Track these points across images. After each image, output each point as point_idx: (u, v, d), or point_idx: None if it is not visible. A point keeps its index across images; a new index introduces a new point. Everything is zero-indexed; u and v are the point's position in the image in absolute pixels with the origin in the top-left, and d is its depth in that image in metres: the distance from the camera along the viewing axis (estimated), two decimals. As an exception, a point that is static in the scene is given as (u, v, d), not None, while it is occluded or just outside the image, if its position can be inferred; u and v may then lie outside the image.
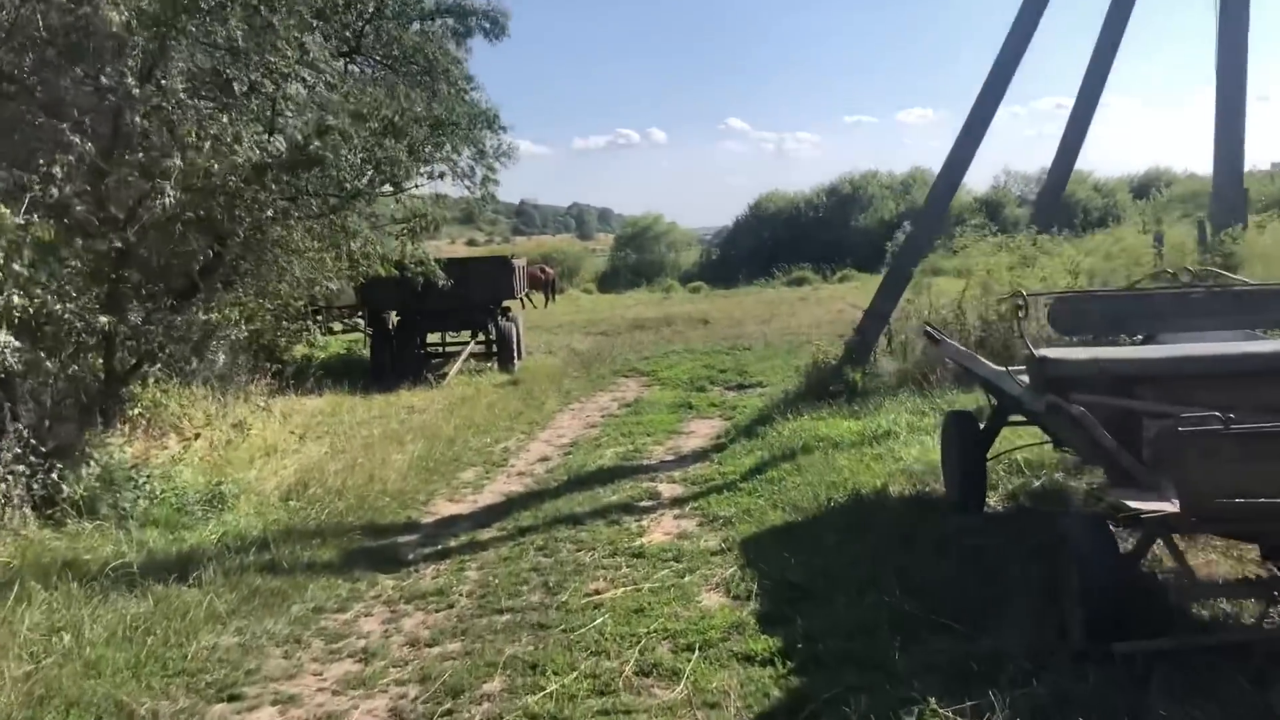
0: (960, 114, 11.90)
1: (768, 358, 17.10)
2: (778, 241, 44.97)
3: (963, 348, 6.57)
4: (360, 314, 17.53)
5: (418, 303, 15.72)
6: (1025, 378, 5.77)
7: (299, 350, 18.09)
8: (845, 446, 9.14)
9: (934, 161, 48.03)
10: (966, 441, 6.78)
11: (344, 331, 19.24)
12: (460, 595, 6.20)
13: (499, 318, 16.93)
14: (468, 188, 15.24)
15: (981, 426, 6.92)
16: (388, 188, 11.03)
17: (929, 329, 7.31)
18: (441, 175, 12.24)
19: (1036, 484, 7.02)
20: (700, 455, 10.17)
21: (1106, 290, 9.63)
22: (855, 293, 32.71)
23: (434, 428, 11.72)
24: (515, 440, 11.62)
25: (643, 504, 8.26)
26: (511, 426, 12.35)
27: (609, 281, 45.44)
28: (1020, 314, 5.98)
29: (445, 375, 15.28)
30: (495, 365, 16.48)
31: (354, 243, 9.31)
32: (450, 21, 17.35)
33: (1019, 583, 5.25)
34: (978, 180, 47.95)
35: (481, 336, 17.11)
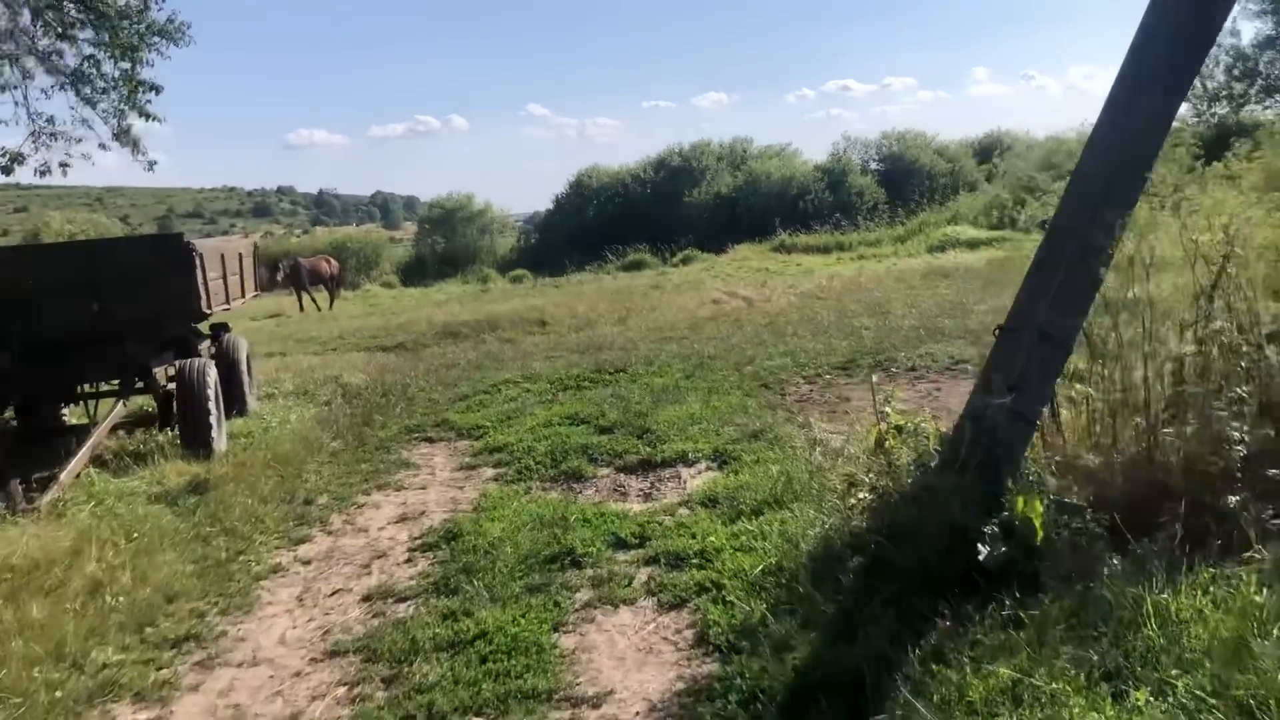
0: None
1: (668, 393, 9.53)
2: (604, 221, 37.44)
3: None
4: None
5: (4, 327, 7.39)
6: None
7: None
8: None
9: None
10: None
11: None
12: None
13: (182, 351, 8.63)
14: (84, 97, 7.02)
15: None
16: None
17: None
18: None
19: None
20: None
21: None
22: (709, 275, 25.63)
23: None
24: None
25: None
26: (114, 683, 4.33)
27: (414, 273, 36.72)
28: None
29: (55, 483, 6.94)
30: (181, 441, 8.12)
31: None
32: None
33: None
34: (814, 150, 42.11)
35: (147, 393, 8.60)
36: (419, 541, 5.97)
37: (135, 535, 5.95)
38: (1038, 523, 4.00)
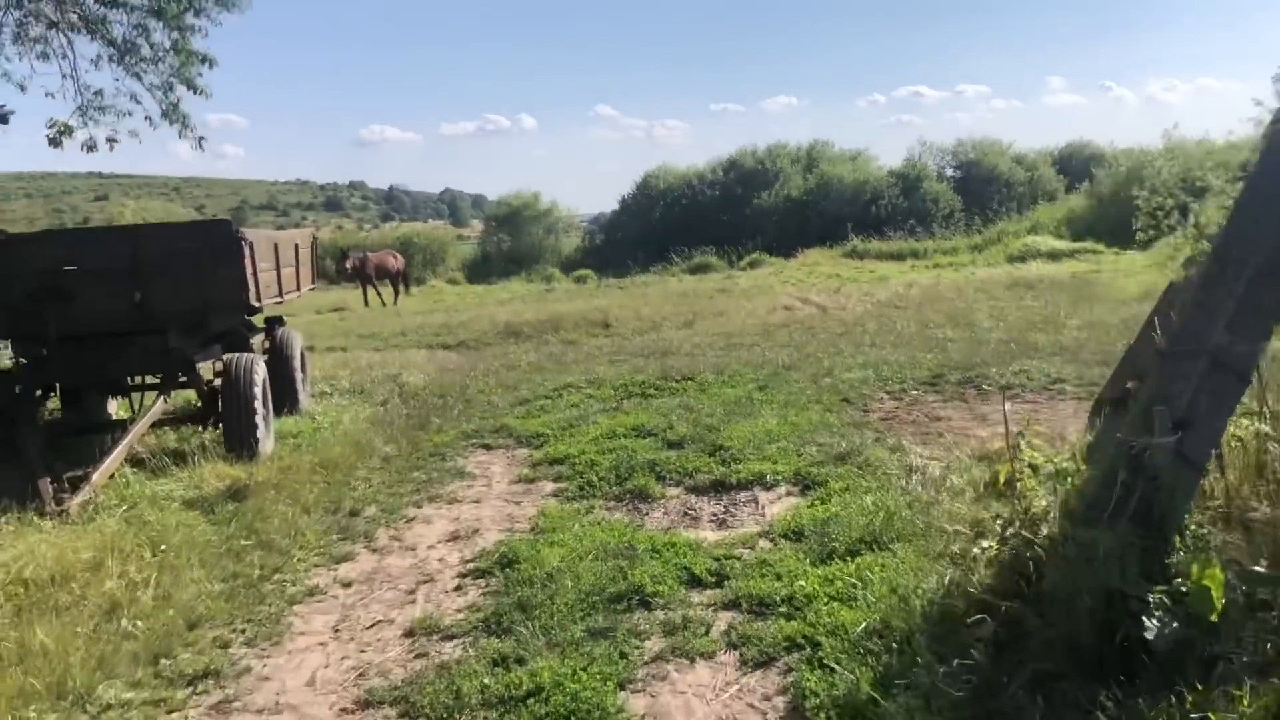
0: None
1: (741, 406, 8.86)
2: (671, 223, 36.80)
3: None
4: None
5: (31, 320, 6.98)
6: None
7: None
8: None
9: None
10: None
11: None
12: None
13: (231, 345, 8.17)
14: (131, 69, 6.63)
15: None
16: None
17: None
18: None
19: None
20: None
21: None
22: (778, 280, 24.71)
23: None
24: None
25: None
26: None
27: (480, 270, 36.55)
28: None
29: (87, 483, 6.49)
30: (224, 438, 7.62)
31: None
32: None
33: None
34: (889, 155, 41.26)
35: (190, 388, 8.07)
36: (471, 566, 5.36)
37: (163, 548, 5.43)
38: (1216, 593, 3.23)
